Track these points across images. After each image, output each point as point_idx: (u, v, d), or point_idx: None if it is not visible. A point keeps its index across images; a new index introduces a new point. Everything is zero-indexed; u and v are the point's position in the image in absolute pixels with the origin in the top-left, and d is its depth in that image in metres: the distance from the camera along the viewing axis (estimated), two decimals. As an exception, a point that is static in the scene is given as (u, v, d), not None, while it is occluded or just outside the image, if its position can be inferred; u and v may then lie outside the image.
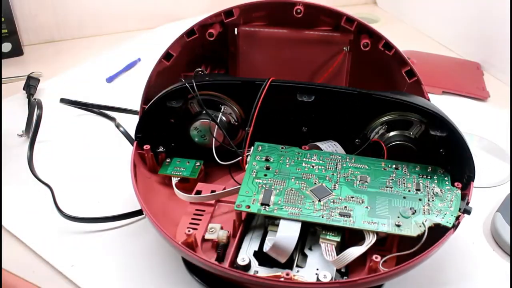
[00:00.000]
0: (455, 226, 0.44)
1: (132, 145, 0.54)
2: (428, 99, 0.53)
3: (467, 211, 0.45)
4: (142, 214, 0.51)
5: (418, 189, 0.48)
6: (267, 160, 0.52)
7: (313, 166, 0.51)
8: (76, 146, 0.66)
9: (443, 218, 0.45)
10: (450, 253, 0.51)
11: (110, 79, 0.83)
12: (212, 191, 0.53)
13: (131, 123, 0.62)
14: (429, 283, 0.48)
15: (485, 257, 0.52)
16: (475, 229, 0.55)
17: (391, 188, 0.48)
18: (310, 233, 0.46)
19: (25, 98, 0.72)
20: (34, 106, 0.66)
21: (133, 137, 0.54)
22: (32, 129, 0.63)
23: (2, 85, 0.78)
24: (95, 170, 0.62)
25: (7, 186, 0.58)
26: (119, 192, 0.56)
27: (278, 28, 0.58)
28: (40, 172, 0.59)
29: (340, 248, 0.44)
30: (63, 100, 0.71)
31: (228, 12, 0.55)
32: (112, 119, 0.69)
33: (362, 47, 0.54)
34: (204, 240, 0.47)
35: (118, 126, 0.66)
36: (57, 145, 0.66)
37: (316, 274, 0.43)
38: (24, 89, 0.75)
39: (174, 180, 0.54)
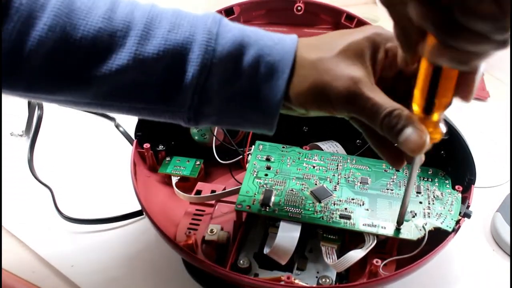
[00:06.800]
0: (455, 230, 0.44)
1: (132, 145, 0.54)
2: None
3: (467, 215, 0.45)
4: (142, 214, 0.51)
5: (418, 192, 0.48)
6: (268, 159, 0.52)
7: (314, 167, 0.51)
8: (75, 147, 0.65)
9: (443, 222, 0.45)
10: (450, 253, 0.51)
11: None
12: (213, 191, 0.52)
13: (130, 123, 0.62)
14: (429, 283, 0.48)
15: (485, 257, 0.52)
16: (475, 229, 0.55)
17: (391, 190, 0.48)
18: (311, 236, 0.46)
19: (25, 98, 0.72)
20: (34, 107, 0.66)
21: (133, 136, 0.54)
22: (32, 130, 0.63)
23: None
24: (95, 171, 0.61)
25: (7, 187, 0.58)
26: (119, 193, 0.56)
27: (278, 27, 0.57)
28: (40, 173, 0.59)
29: (341, 251, 0.44)
30: None
31: (229, 10, 0.55)
32: (111, 119, 0.69)
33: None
34: (204, 241, 0.47)
35: (117, 126, 0.66)
36: (57, 146, 0.65)
37: (317, 277, 0.43)
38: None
39: (174, 180, 0.54)
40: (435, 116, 0.32)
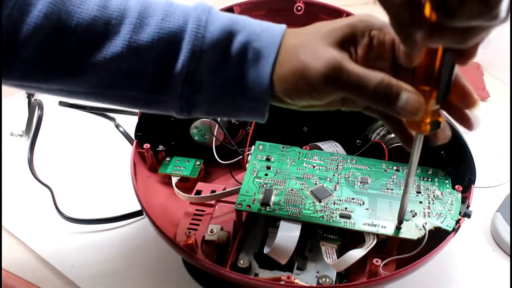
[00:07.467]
0: (455, 230, 0.44)
1: (132, 145, 0.54)
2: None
3: (467, 215, 0.45)
4: (142, 214, 0.50)
5: (418, 192, 0.48)
6: (268, 159, 0.52)
7: (314, 166, 0.51)
8: (75, 147, 0.65)
9: (443, 221, 0.45)
10: (450, 253, 0.51)
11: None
12: (212, 191, 0.52)
13: (130, 123, 0.62)
14: (429, 283, 0.49)
15: (485, 257, 0.52)
16: (475, 229, 0.55)
17: (391, 190, 0.48)
18: (311, 236, 0.46)
19: (25, 98, 0.72)
20: (34, 107, 0.65)
21: (133, 136, 0.54)
22: (32, 130, 0.63)
23: (2, 85, 0.77)
24: (95, 171, 0.61)
25: (7, 187, 0.58)
26: (119, 193, 0.56)
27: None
28: (40, 173, 0.59)
29: (341, 250, 0.44)
30: (62, 103, 0.71)
31: (229, 10, 0.55)
32: (111, 119, 0.69)
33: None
34: (204, 241, 0.47)
35: (117, 126, 0.66)
36: (57, 146, 0.65)
37: (317, 277, 0.43)
38: (24, 89, 0.75)
39: (174, 180, 0.54)
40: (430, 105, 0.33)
